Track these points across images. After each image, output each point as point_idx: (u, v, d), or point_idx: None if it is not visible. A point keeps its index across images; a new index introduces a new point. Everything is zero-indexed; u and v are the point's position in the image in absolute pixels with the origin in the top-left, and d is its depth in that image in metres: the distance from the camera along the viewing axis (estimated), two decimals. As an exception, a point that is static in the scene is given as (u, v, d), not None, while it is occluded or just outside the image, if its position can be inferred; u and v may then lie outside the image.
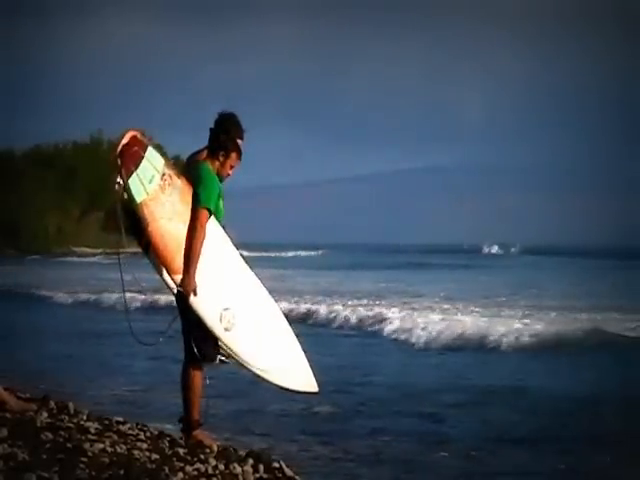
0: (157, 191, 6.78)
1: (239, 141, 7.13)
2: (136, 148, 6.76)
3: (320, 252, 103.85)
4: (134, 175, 6.71)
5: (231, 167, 7.15)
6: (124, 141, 6.74)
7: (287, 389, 7.30)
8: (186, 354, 7.03)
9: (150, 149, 6.84)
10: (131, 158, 6.72)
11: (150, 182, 6.76)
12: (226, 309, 6.97)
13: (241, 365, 7.10)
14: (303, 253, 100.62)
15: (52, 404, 7.85)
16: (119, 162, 6.70)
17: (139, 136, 6.83)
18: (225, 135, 7.08)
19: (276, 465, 6.81)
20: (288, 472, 6.77)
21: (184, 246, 6.82)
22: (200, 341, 6.93)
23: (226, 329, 6.95)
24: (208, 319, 6.92)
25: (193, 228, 6.84)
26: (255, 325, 7.11)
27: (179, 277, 6.82)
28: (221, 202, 7.11)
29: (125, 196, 6.74)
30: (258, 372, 7.11)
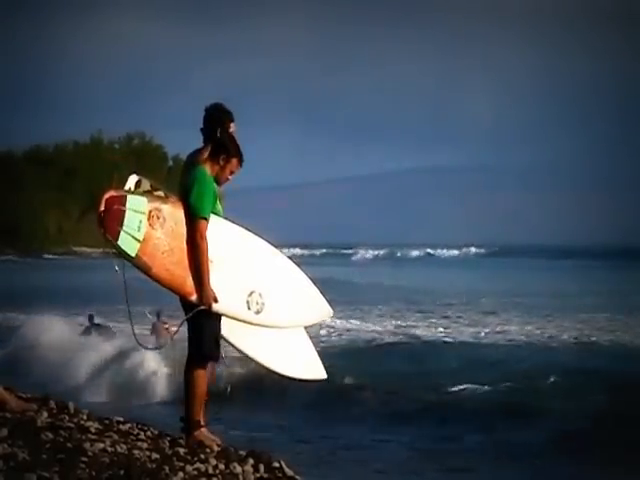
0: (148, 232, 6.65)
1: (231, 124, 6.91)
2: (115, 206, 6.62)
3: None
4: (122, 234, 6.59)
5: (231, 172, 6.95)
6: (101, 208, 6.63)
7: (295, 378, 7.25)
8: (190, 355, 6.94)
9: (130, 197, 6.67)
10: (113, 220, 6.59)
11: (139, 230, 6.63)
12: (251, 293, 6.86)
13: (251, 360, 7.01)
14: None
15: (52, 404, 7.82)
16: (102, 231, 6.61)
17: (115, 193, 6.68)
18: (219, 126, 6.86)
19: (276, 465, 6.79)
20: (288, 472, 6.76)
21: (189, 262, 6.68)
22: (212, 341, 6.81)
23: (257, 312, 6.86)
24: (237, 314, 6.82)
25: (194, 241, 6.69)
26: (284, 293, 7.02)
27: (194, 297, 6.70)
28: (219, 204, 6.94)
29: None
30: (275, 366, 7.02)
